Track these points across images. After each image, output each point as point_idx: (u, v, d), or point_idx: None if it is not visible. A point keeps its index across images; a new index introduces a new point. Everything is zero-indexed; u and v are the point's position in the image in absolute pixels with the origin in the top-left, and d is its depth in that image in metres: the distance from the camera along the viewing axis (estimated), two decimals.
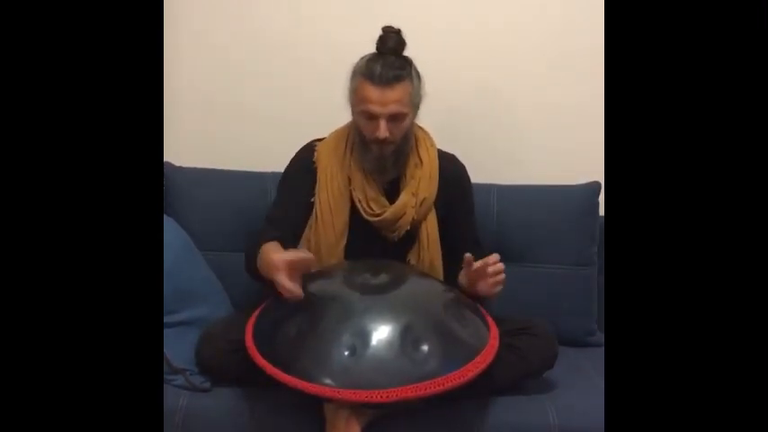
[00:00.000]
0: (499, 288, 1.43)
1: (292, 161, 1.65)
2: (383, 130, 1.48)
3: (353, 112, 1.54)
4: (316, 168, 1.59)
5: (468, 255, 1.41)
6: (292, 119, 1.95)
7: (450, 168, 1.64)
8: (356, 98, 1.51)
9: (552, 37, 1.98)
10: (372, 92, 1.47)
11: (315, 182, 1.59)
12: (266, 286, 1.42)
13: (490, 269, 1.39)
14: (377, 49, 1.52)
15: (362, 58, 1.52)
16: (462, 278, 1.49)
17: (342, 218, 1.56)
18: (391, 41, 1.50)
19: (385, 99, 1.46)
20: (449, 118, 1.90)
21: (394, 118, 1.48)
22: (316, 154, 1.61)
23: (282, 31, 1.98)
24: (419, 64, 1.54)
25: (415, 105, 1.53)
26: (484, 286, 1.43)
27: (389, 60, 1.48)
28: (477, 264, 1.40)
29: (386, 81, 1.46)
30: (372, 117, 1.49)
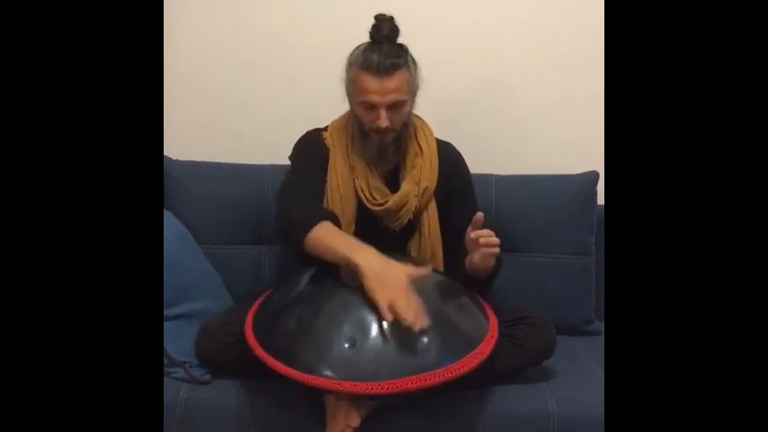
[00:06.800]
0: (492, 260, 1.43)
1: (303, 142, 1.61)
2: (384, 120, 1.47)
3: (352, 104, 1.53)
4: (328, 150, 1.58)
5: (479, 213, 1.39)
6: (290, 112, 1.95)
7: (448, 156, 1.64)
8: (354, 89, 1.50)
9: (551, 28, 1.97)
10: (371, 82, 1.46)
11: (327, 165, 1.57)
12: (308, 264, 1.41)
13: (482, 240, 1.39)
14: (371, 37, 1.50)
15: (357, 48, 1.51)
16: (468, 262, 1.48)
17: (350, 206, 1.55)
18: (385, 29, 1.49)
19: (384, 88, 1.46)
20: (448, 109, 1.90)
21: (393, 106, 1.48)
22: (327, 139, 1.59)
23: (280, 24, 1.97)
24: (420, 56, 1.54)
25: (412, 92, 1.52)
26: (478, 257, 1.42)
27: (385, 49, 1.47)
28: (473, 234, 1.39)
29: (384, 70, 1.45)
30: (372, 107, 1.48)
